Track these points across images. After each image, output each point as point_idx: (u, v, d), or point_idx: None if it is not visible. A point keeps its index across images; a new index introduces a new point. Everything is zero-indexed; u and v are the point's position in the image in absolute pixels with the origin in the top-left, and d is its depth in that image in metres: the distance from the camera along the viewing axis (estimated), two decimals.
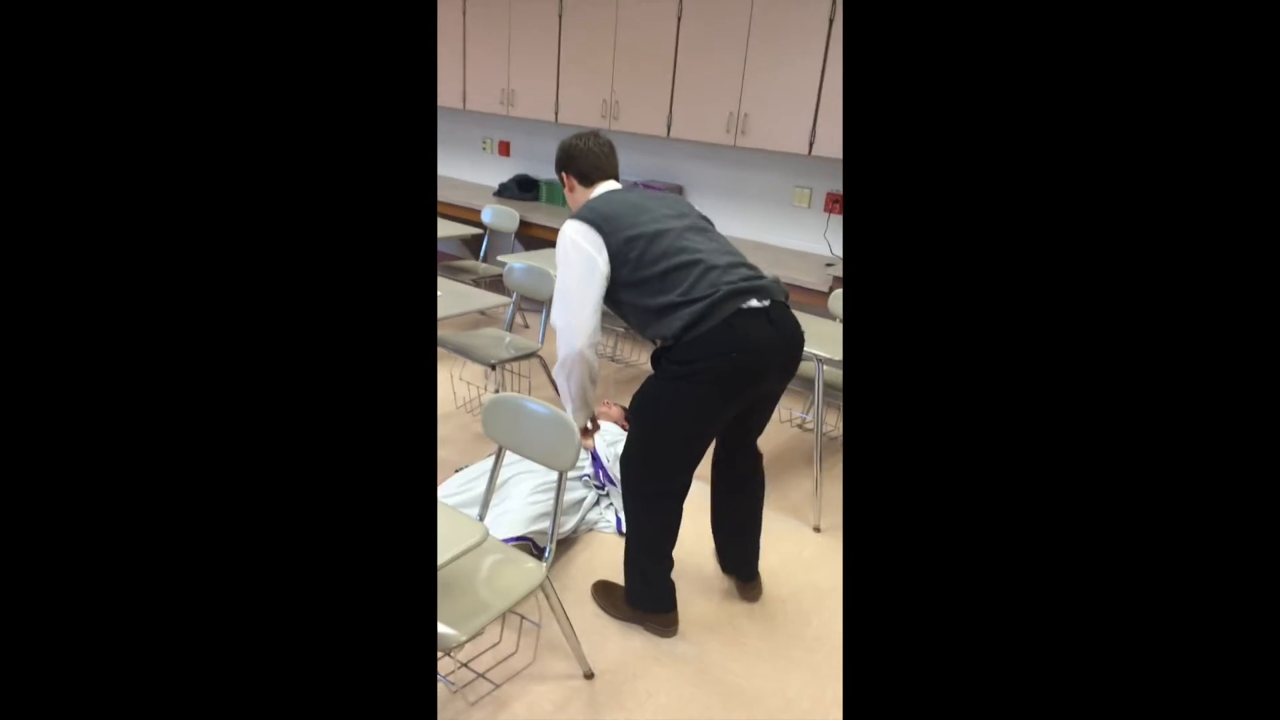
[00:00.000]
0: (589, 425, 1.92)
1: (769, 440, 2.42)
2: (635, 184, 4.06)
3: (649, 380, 1.75)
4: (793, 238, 3.82)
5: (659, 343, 1.72)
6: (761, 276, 1.73)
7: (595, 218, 1.68)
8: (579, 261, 1.66)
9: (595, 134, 1.89)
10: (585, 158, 1.84)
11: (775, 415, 2.45)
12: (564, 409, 1.76)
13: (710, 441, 1.80)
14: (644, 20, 3.67)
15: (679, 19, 3.55)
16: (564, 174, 1.89)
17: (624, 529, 1.91)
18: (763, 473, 2.04)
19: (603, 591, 2.05)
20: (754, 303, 1.65)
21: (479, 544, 1.24)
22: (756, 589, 2.12)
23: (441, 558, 1.18)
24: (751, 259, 1.80)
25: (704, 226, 1.80)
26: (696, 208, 1.88)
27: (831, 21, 3.14)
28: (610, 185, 1.86)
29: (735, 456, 1.99)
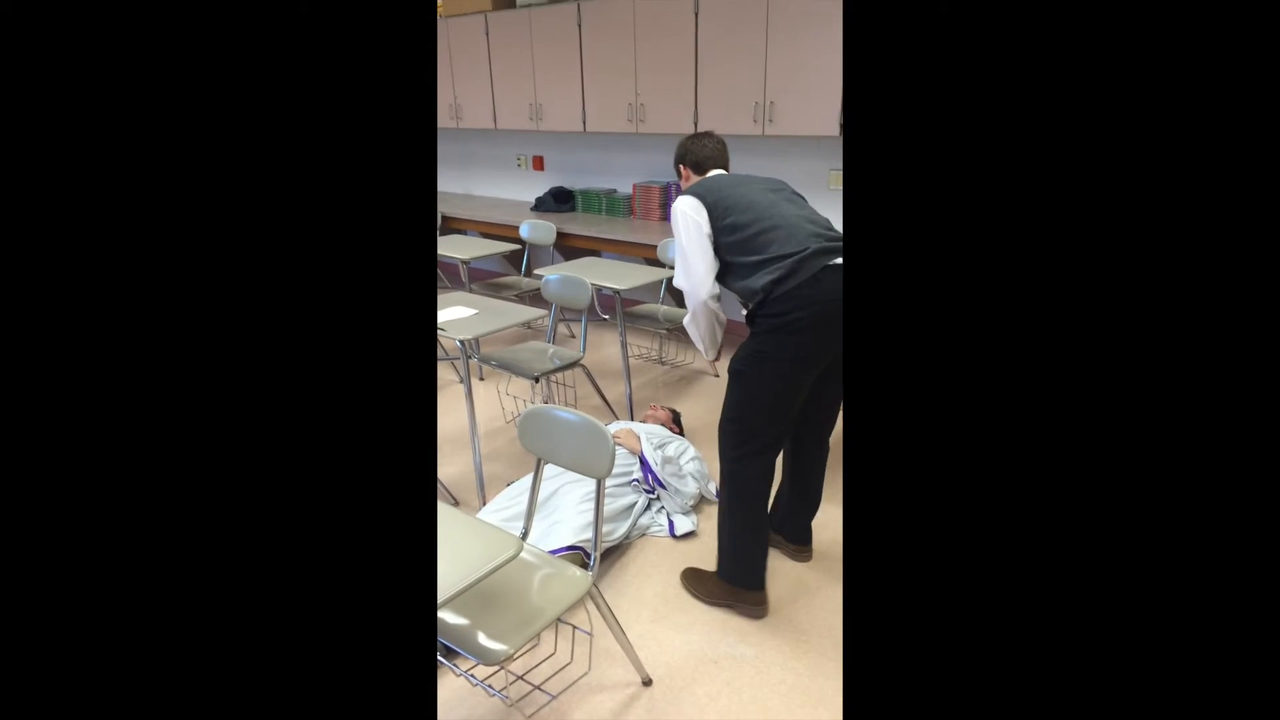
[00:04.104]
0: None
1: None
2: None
3: (746, 341, 1.88)
4: (834, 220, 3.74)
5: (751, 306, 1.85)
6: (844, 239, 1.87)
7: (698, 190, 1.93)
8: (687, 228, 1.89)
9: (710, 133, 2.12)
10: (699, 150, 2.10)
11: None
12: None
13: (802, 394, 1.87)
14: (662, 21, 3.65)
15: (696, 16, 3.52)
16: (681, 166, 2.14)
17: (718, 497, 2.01)
18: (825, 460, 2.17)
19: (692, 577, 2.11)
20: (839, 260, 1.78)
21: (512, 558, 1.24)
22: (809, 553, 2.28)
23: (476, 574, 1.19)
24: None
25: (794, 198, 1.96)
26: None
27: None
28: (719, 172, 2.08)
29: (807, 442, 2.11)
